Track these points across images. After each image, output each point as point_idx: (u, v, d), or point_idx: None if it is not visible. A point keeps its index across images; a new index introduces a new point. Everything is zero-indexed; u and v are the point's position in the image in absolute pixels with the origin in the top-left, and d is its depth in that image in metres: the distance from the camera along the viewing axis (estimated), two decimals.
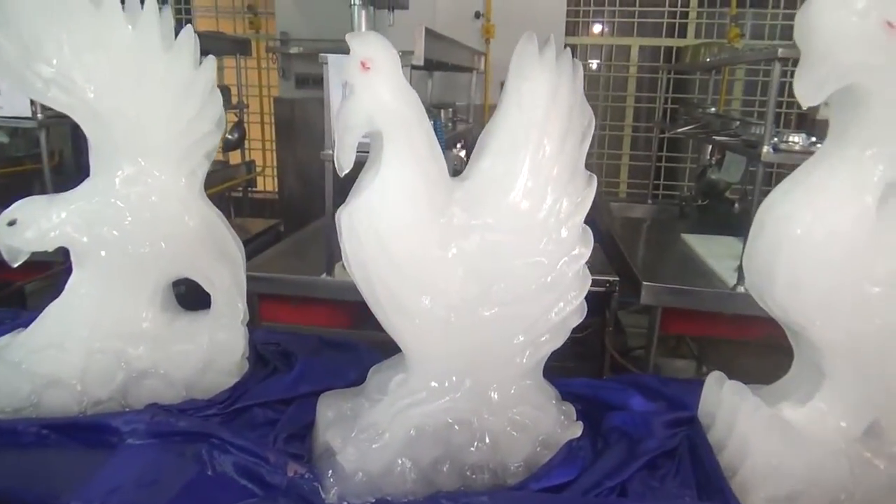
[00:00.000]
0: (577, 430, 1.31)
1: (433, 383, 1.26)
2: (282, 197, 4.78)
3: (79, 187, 1.37)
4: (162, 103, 1.33)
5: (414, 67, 2.36)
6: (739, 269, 2.32)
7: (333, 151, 1.16)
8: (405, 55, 2.34)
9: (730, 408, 1.22)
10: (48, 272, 3.00)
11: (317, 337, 1.84)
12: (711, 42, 4.09)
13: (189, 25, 1.33)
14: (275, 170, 4.94)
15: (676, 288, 2.37)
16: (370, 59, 1.11)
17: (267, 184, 5.29)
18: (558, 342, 1.29)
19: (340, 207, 1.21)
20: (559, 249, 1.23)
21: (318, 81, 4.79)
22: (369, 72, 1.11)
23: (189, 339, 1.45)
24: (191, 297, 1.57)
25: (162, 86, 1.32)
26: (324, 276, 2.51)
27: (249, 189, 4.22)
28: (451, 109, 3.55)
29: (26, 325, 1.82)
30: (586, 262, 1.26)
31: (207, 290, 1.47)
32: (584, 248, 1.25)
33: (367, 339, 2.20)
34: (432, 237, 1.17)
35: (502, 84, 1.24)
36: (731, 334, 2.55)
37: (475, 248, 1.19)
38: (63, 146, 4.89)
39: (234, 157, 4.14)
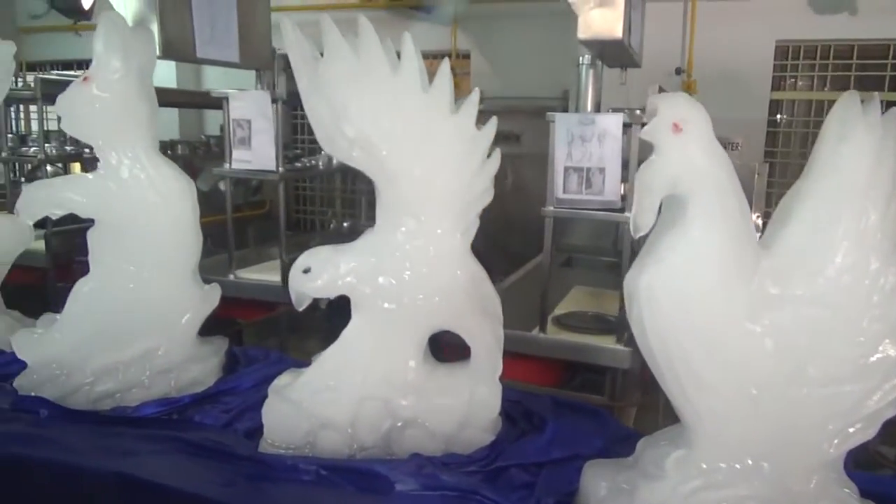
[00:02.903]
0: None
1: (723, 464, 1.16)
2: None
3: (362, 240, 1.46)
4: (446, 163, 1.39)
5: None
6: None
7: (631, 213, 1.14)
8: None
9: None
10: (271, 313, 3.25)
11: (549, 397, 1.80)
12: None
13: (477, 88, 1.39)
14: None
15: None
16: (684, 120, 1.08)
17: None
18: (869, 433, 1.15)
19: (632, 272, 1.17)
20: (883, 329, 1.10)
21: (507, 137, 4.93)
22: (682, 133, 1.08)
23: (451, 392, 1.46)
24: None
25: (447, 146, 1.38)
26: (536, 332, 2.48)
27: None
28: None
29: (277, 363, 1.97)
30: None
31: (469, 343, 1.48)
32: None
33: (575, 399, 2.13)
34: (740, 308, 1.10)
35: None
36: None
37: (788, 322, 1.09)
38: (273, 196, 5.41)
39: None
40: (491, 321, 1.48)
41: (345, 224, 3.92)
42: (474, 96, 1.38)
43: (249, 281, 3.07)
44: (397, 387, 1.45)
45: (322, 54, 1.34)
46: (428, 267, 1.41)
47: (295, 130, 5.22)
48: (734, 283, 1.10)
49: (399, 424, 1.45)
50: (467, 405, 1.46)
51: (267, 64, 2.84)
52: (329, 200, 5.25)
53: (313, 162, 3.35)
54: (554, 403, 1.75)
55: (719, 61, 4.12)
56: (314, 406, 1.44)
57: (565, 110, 4.54)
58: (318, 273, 1.42)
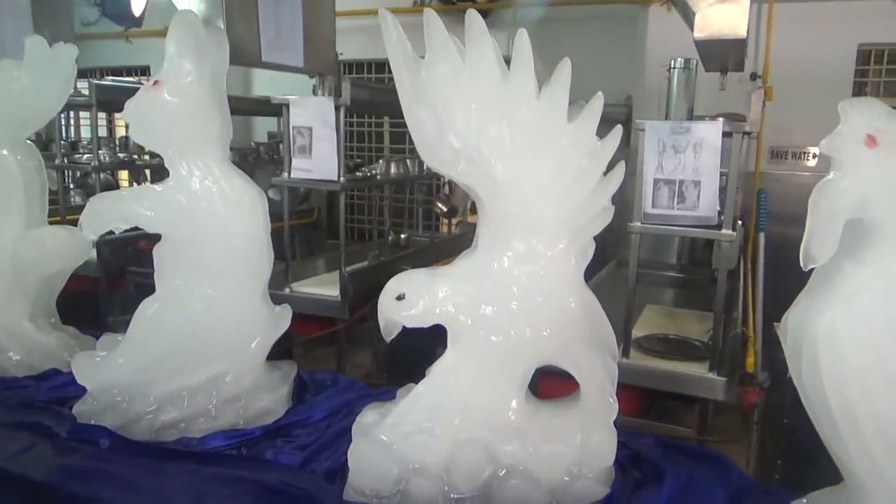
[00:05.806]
0: None
1: None
2: None
3: (462, 263, 1.30)
4: (560, 177, 1.22)
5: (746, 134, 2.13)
6: None
7: (803, 239, 0.95)
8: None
9: None
10: (327, 329, 3.10)
11: (654, 438, 1.61)
12: None
13: (600, 93, 1.22)
14: None
15: None
16: (881, 131, 0.89)
17: None
18: None
19: (802, 310, 0.99)
20: None
21: None
22: (877, 148, 0.89)
23: (559, 437, 1.29)
24: None
25: (564, 159, 1.21)
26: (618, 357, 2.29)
27: None
28: None
29: (348, 390, 1.82)
30: None
31: (579, 380, 1.31)
32: None
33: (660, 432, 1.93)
34: None
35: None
36: None
37: None
38: (321, 204, 5.32)
39: None
40: (604, 357, 1.31)
41: (402, 235, 3.76)
42: (596, 103, 1.21)
43: (307, 295, 2.93)
44: (498, 430, 1.29)
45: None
46: (539, 296, 1.24)
47: (349, 138, 5.11)
48: None
49: (501, 473, 1.28)
50: (578, 452, 1.28)
51: (331, 69, 2.71)
52: (380, 209, 5.14)
53: (373, 171, 3.21)
54: (662, 446, 1.56)
55: (797, 66, 3.86)
56: (406, 449, 1.28)
57: (629, 117, 4.33)
58: (414, 300, 1.26)
